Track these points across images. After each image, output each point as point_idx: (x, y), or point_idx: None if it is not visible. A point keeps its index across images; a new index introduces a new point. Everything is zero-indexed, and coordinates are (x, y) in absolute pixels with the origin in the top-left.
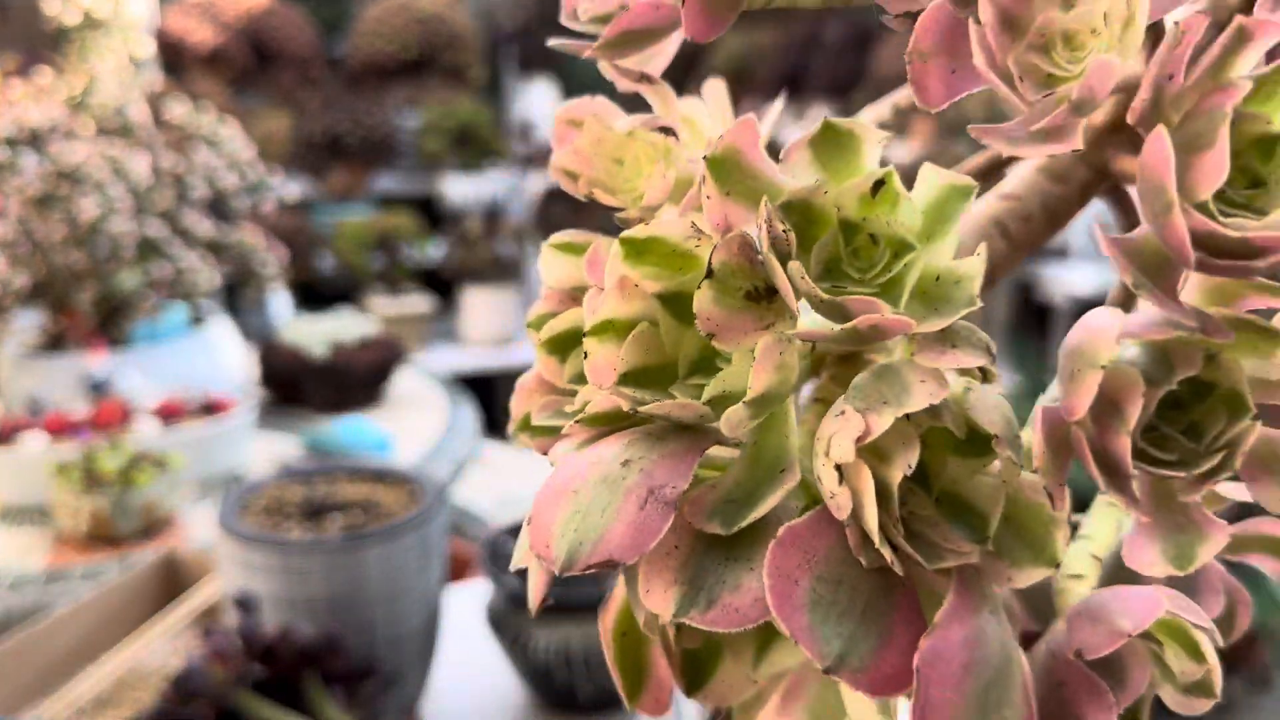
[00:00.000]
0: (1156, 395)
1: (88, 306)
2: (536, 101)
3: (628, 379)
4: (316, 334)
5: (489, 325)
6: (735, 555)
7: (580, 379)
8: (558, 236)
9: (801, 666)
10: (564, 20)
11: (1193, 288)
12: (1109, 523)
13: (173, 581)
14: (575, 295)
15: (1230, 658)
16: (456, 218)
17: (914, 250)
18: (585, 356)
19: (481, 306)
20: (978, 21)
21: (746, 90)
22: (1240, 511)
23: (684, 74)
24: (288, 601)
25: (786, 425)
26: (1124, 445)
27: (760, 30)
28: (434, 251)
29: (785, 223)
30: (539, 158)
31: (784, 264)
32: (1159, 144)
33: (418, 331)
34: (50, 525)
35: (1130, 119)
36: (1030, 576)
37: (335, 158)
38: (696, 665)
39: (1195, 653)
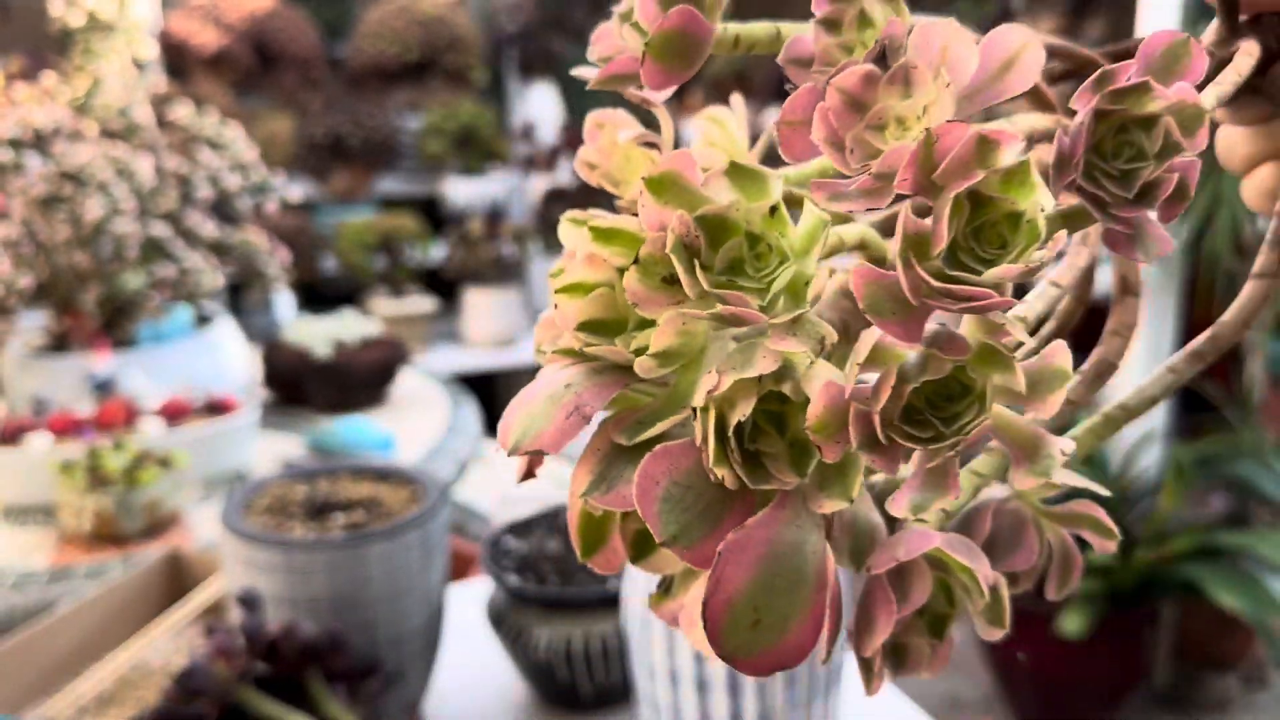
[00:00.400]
0: (907, 388)
1: (92, 307)
2: (538, 104)
3: (584, 326)
4: (320, 334)
5: (491, 326)
6: (633, 461)
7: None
8: (572, 212)
9: None
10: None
11: (968, 319)
12: (966, 485)
13: (176, 580)
14: None
15: (1227, 656)
16: (458, 219)
17: (790, 260)
18: (555, 307)
19: (483, 307)
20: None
21: (745, 92)
22: (1239, 506)
23: None
24: (290, 600)
25: (698, 373)
26: (873, 420)
27: None
28: (437, 253)
29: (698, 230)
30: (540, 159)
31: (691, 260)
32: (903, 214)
33: (420, 332)
34: (54, 524)
35: (899, 189)
36: (835, 504)
37: (338, 159)
38: (642, 541)
39: (978, 586)
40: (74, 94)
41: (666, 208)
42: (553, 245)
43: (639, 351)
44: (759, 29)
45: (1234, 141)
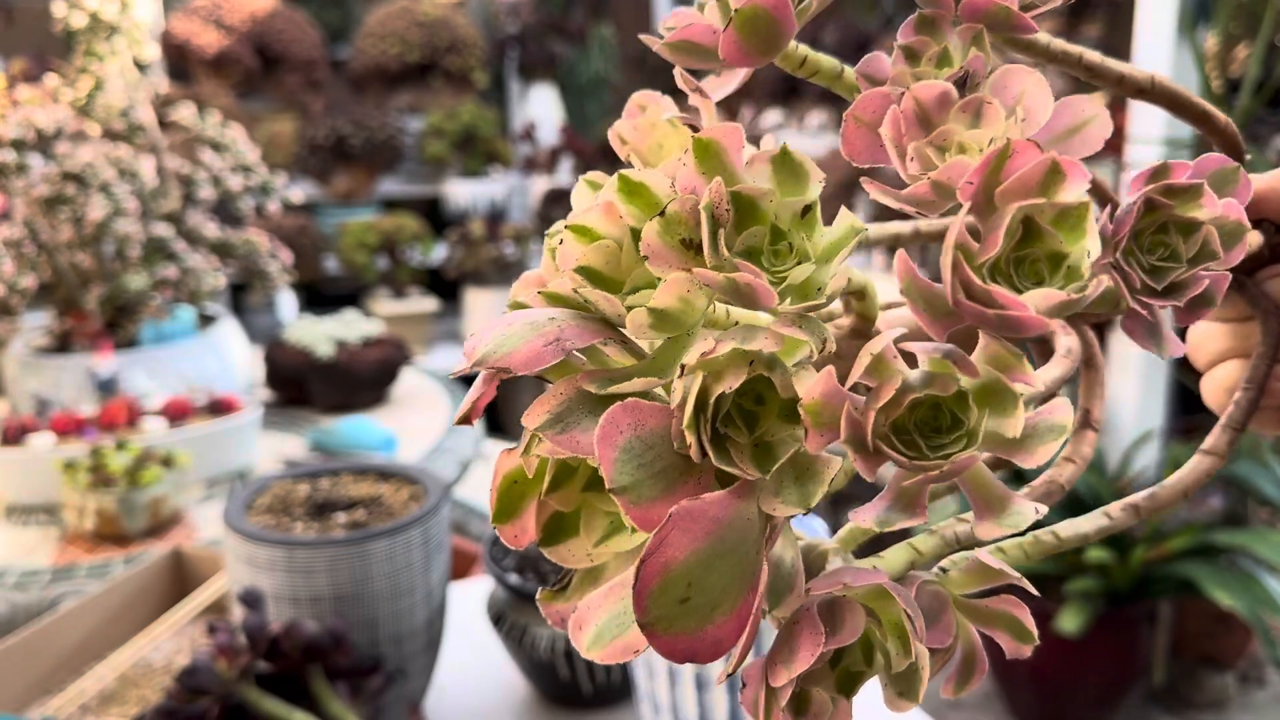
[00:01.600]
0: (908, 397)
1: (94, 307)
2: (538, 106)
3: (582, 271)
4: (321, 334)
5: None
6: (594, 411)
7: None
8: (590, 174)
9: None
10: (660, 28)
11: (980, 351)
12: (902, 559)
13: (179, 578)
14: None
15: (1224, 655)
16: (459, 220)
17: (810, 263)
18: (560, 242)
19: (484, 307)
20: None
21: (745, 93)
22: (1236, 506)
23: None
24: (292, 598)
25: (681, 348)
26: (866, 421)
27: None
28: (438, 253)
29: (730, 205)
30: (541, 161)
31: (715, 230)
32: (959, 221)
33: (421, 332)
34: (57, 523)
35: (962, 194)
36: (788, 509)
37: (339, 161)
38: (556, 526)
39: (905, 644)
40: (76, 95)
41: (705, 175)
42: None
43: (631, 309)
44: (826, 60)
45: (1203, 338)
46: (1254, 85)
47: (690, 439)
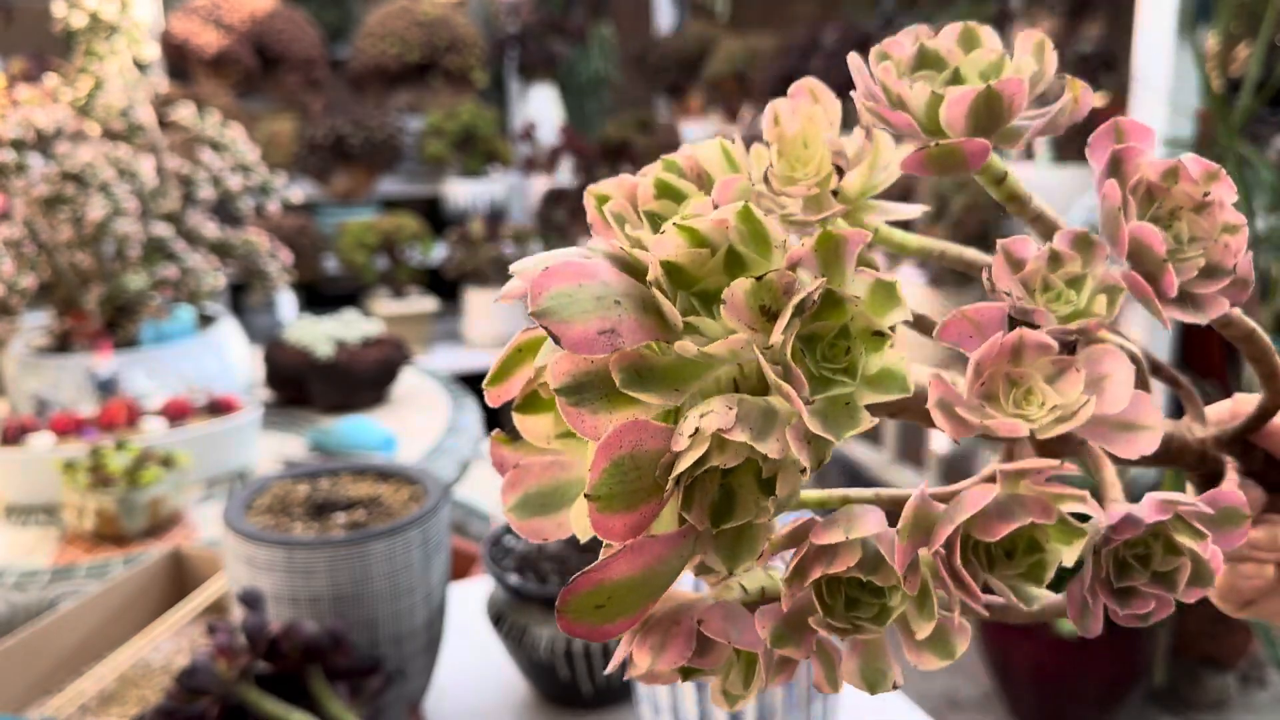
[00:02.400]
0: (850, 574)
1: (94, 307)
2: (538, 105)
3: (666, 264)
4: (321, 334)
5: (491, 326)
6: (612, 399)
7: (654, 223)
8: (726, 142)
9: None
10: None
11: (931, 565)
12: (757, 582)
13: (178, 579)
14: (703, 177)
15: (1225, 655)
16: (459, 220)
17: (851, 386)
18: (663, 229)
19: (483, 307)
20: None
21: (745, 93)
22: None
23: (687, 75)
24: (292, 598)
25: (709, 369)
26: (813, 570)
27: (759, 34)
28: (437, 253)
29: (819, 299)
30: (540, 160)
31: (793, 318)
32: (982, 498)
33: (421, 332)
34: (57, 524)
35: (998, 469)
36: (715, 565)
37: (339, 160)
38: (535, 398)
39: (747, 681)
40: (76, 95)
41: (818, 258)
42: (553, 245)
43: (689, 329)
44: (1015, 187)
45: None
46: (1254, 85)
47: (671, 485)
